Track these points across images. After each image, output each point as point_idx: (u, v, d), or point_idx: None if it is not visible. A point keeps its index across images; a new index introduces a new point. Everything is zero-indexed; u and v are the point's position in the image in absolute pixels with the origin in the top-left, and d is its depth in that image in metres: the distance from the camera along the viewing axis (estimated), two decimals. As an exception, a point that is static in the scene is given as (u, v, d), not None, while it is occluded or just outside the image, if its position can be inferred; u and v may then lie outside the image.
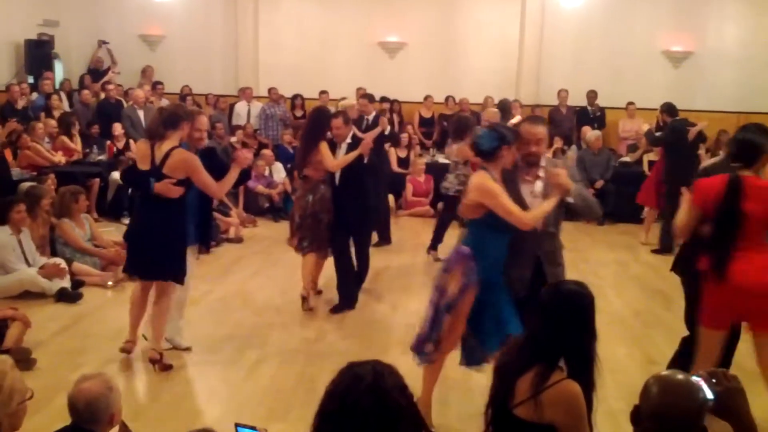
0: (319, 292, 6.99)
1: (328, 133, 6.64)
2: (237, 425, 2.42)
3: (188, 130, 5.17)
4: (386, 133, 8.79)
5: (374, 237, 9.06)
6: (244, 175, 5.86)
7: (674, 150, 8.97)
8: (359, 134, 7.07)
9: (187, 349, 5.57)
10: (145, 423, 4.46)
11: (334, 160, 6.48)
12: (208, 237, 5.89)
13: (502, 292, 4.22)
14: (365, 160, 6.52)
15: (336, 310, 6.63)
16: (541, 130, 4.35)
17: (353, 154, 6.44)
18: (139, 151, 5.24)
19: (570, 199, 4.24)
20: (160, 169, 4.97)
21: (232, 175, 5.28)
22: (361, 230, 6.89)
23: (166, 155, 4.97)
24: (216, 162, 5.52)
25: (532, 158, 4.31)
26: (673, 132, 9.64)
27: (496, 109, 9.18)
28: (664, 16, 13.61)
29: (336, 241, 6.67)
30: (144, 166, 5.07)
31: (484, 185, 4.10)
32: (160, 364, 5.15)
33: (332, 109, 9.66)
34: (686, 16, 13.54)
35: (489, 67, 13.86)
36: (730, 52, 13.49)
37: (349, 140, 6.58)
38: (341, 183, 6.53)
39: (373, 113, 9.16)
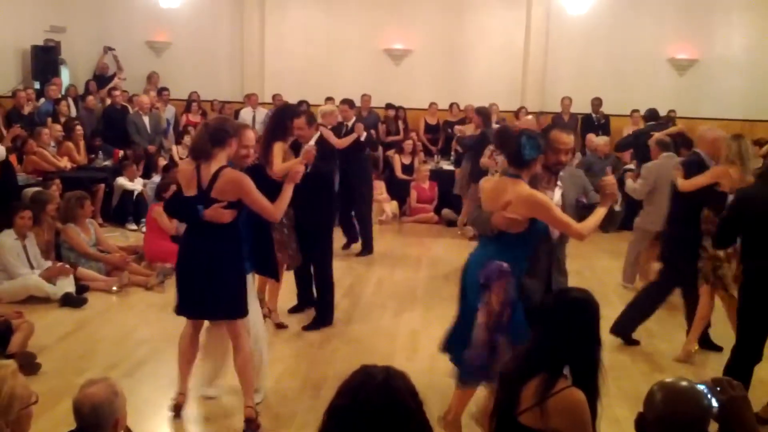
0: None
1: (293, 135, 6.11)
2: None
3: (236, 147, 4.51)
4: (362, 139, 8.64)
5: (358, 246, 8.99)
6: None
7: (638, 155, 8.91)
8: (333, 140, 6.88)
9: (212, 398, 4.94)
10: (152, 426, 4.47)
11: (280, 164, 5.83)
12: (271, 264, 5.00)
13: (521, 311, 4.08)
14: (307, 169, 5.38)
15: (309, 327, 6.30)
16: (572, 139, 4.35)
17: (292, 162, 5.67)
18: (182, 174, 4.51)
19: (618, 208, 4.22)
20: (208, 193, 4.33)
21: (287, 193, 4.56)
22: (314, 246, 6.28)
23: (214, 176, 4.32)
24: (265, 180, 5.03)
25: (559, 167, 4.26)
26: (637, 138, 9.74)
27: (531, 117, 9.02)
28: (669, 24, 13.62)
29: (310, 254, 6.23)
30: (190, 191, 4.41)
31: (534, 197, 3.96)
32: (255, 424, 4.47)
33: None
34: (691, 23, 13.55)
35: (494, 74, 13.89)
36: (735, 59, 13.49)
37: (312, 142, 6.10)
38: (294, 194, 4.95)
39: (353, 119, 8.99)
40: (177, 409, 4.65)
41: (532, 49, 13.85)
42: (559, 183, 4.28)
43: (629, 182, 7.44)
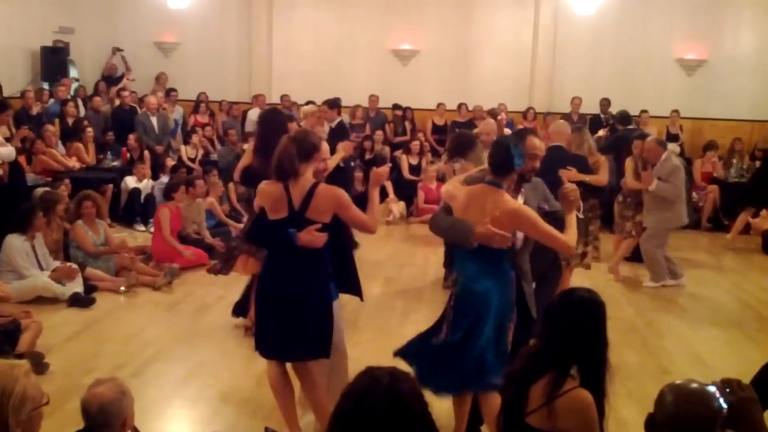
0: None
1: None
2: (267, 429, 2.50)
3: (318, 161, 4.14)
4: (350, 162, 8.41)
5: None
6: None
7: (616, 159, 8.81)
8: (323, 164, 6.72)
9: None
10: (160, 425, 4.48)
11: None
12: (354, 280, 4.38)
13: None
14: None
15: None
16: (543, 145, 4.22)
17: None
18: (267, 196, 4.04)
19: (580, 215, 4.14)
20: (302, 214, 3.93)
21: (376, 200, 4.19)
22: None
23: (309, 194, 3.94)
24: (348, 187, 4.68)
25: (531, 174, 4.09)
26: (615, 141, 9.74)
27: (492, 120, 8.76)
28: (678, 24, 13.57)
29: None
30: (279, 213, 3.99)
31: (522, 211, 3.77)
32: None
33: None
34: (700, 23, 13.49)
35: (502, 75, 13.88)
36: (744, 59, 13.43)
37: None
38: None
39: (338, 120, 8.69)
40: None
41: (540, 49, 13.83)
42: (523, 189, 4.10)
43: (659, 184, 7.55)
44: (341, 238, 4.21)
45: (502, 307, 3.82)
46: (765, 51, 13.41)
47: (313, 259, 3.96)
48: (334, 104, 8.76)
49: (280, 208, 3.97)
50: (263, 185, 4.09)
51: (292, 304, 3.94)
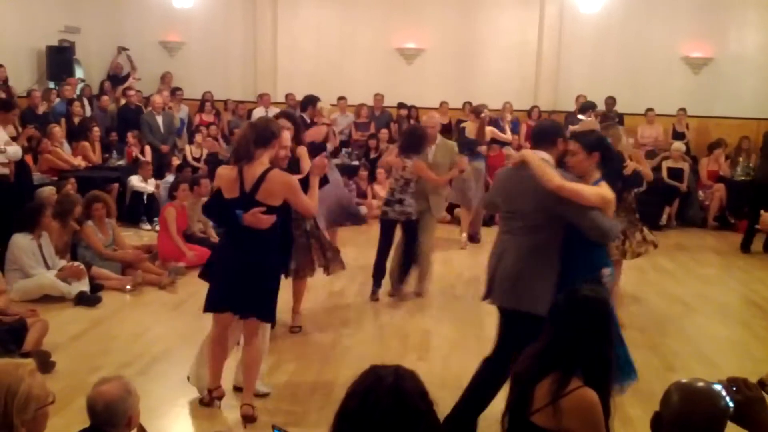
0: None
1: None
2: (274, 427, 2.50)
3: (277, 149, 4.51)
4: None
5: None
6: (323, 183, 5.07)
7: None
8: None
9: (266, 394, 4.90)
10: (165, 424, 4.49)
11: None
12: (287, 264, 5.17)
13: None
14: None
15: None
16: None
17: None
18: (224, 178, 4.40)
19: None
20: (252, 196, 4.28)
21: (315, 187, 4.55)
22: None
23: (260, 179, 4.28)
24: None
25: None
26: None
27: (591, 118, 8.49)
28: (684, 22, 13.51)
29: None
30: (232, 194, 4.35)
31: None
32: (250, 418, 4.48)
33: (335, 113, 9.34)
34: (706, 21, 13.43)
35: (507, 73, 13.85)
36: (750, 58, 13.38)
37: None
38: None
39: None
40: (210, 403, 4.70)
41: (545, 48, 13.79)
42: None
43: None
44: (286, 225, 4.69)
45: None
46: (771, 49, 13.37)
47: (262, 239, 4.33)
48: (307, 102, 8.03)
49: (233, 189, 4.32)
50: (221, 169, 4.51)
51: (241, 271, 4.36)
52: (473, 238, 9.73)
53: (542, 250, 3.95)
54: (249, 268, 4.35)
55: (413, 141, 6.92)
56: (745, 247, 9.72)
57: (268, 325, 4.75)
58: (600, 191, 3.93)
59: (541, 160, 3.93)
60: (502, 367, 3.69)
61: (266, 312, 4.50)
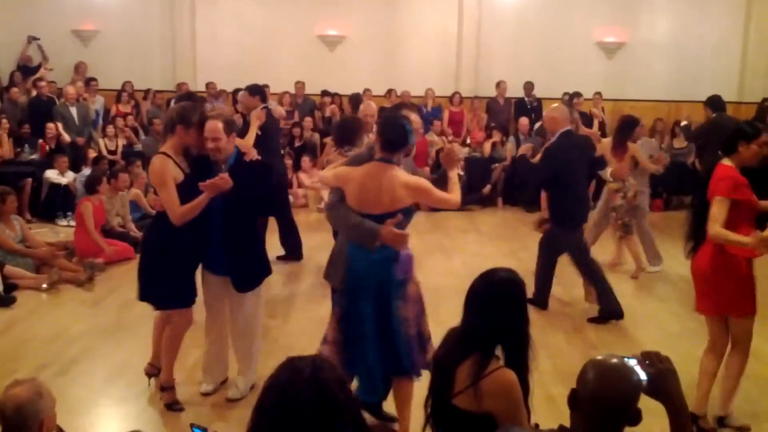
0: None
1: None
2: (192, 425, 2.43)
3: (193, 137, 4.45)
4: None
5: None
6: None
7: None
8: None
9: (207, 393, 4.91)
10: (86, 424, 4.36)
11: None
12: (252, 270, 4.78)
13: None
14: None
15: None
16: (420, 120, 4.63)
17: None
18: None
19: (461, 172, 4.39)
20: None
21: (202, 201, 4.36)
22: None
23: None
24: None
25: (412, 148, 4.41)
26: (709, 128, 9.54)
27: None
28: (598, 8, 13.90)
29: None
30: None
31: (417, 182, 4.04)
32: (165, 396, 4.66)
33: (273, 103, 9.36)
34: (619, 7, 13.86)
35: (429, 61, 13.95)
36: (661, 43, 13.89)
37: None
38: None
39: (261, 106, 7.69)
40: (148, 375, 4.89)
41: (465, 36, 13.93)
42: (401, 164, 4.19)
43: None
44: (246, 225, 4.63)
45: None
46: (680, 34, 13.88)
47: (165, 221, 4.43)
48: (255, 90, 7.96)
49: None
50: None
51: (146, 256, 4.68)
52: None
53: None
54: (147, 250, 4.69)
55: (346, 133, 6.59)
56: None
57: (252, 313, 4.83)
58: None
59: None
60: None
61: (162, 298, 4.69)
